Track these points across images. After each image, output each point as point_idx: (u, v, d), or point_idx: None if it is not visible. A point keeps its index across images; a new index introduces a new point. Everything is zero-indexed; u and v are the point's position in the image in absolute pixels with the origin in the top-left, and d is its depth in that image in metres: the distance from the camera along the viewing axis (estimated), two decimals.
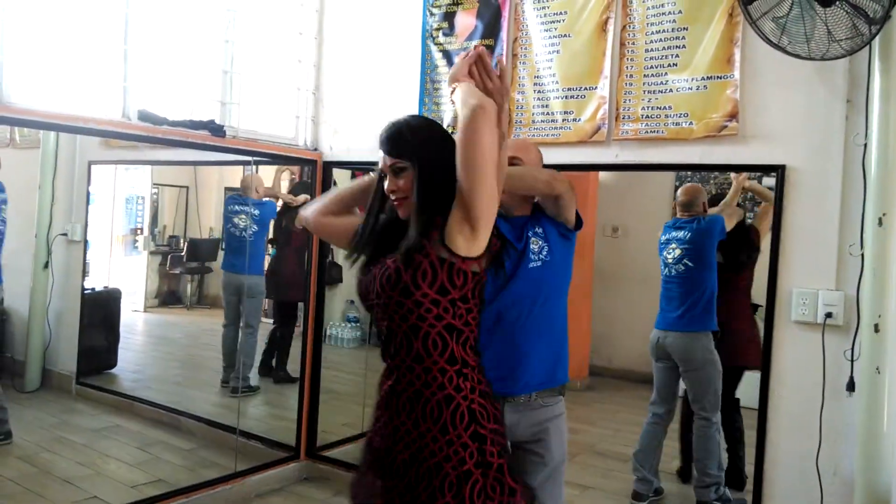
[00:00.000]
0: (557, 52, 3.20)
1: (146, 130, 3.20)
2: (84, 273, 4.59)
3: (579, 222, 2.20)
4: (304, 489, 3.77)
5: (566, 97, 3.18)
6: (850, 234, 2.55)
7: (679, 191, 3.71)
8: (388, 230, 1.78)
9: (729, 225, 3.57)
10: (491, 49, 3.36)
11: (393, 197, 1.74)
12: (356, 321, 5.52)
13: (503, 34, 3.35)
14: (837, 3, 2.28)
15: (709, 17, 2.84)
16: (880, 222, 2.39)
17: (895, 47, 2.37)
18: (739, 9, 2.50)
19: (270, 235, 5.04)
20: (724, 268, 3.57)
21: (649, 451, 3.53)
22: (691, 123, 2.88)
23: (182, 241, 5.61)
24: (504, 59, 3.32)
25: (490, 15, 3.39)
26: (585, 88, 3.13)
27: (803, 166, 2.66)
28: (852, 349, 2.52)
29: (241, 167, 4.74)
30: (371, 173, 1.89)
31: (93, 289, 4.76)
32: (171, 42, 3.43)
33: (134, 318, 5.45)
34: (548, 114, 3.22)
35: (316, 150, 4.01)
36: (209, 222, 5.51)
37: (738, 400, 3.60)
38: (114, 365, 4.87)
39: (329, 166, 3.98)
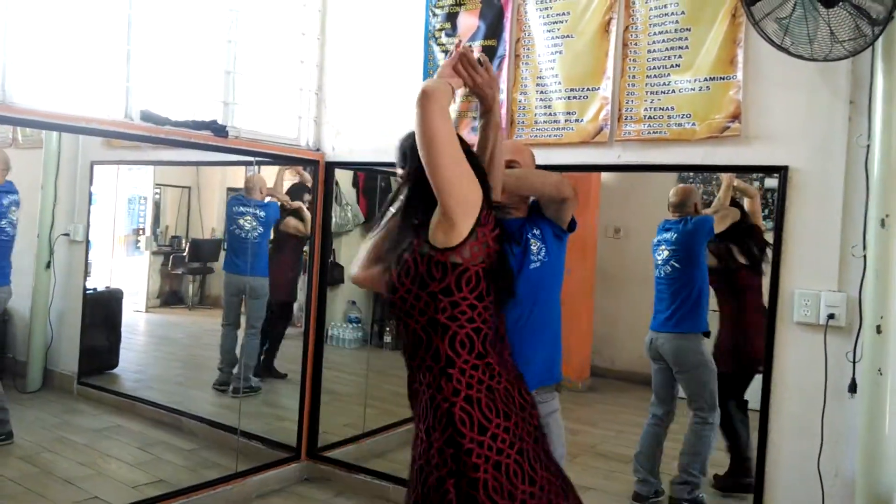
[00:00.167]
0: (560, 52, 3.20)
1: (148, 131, 3.21)
2: (86, 273, 4.59)
3: (573, 224, 2.23)
4: (304, 490, 3.77)
5: (569, 98, 3.17)
6: (853, 236, 2.55)
7: (671, 192, 3.72)
8: None
9: (723, 225, 3.57)
10: (493, 49, 3.37)
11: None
12: (357, 322, 5.52)
13: (506, 35, 3.35)
14: (840, 4, 2.27)
15: (711, 18, 2.84)
16: (883, 223, 2.38)
17: None
18: (742, 10, 2.50)
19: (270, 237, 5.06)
20: (747, 269, 3.58)
21: (650, 452, 3.54)
22: (694, 124, 2.87)
23: (184, 241, 5.61)
24: (507, 59, 3.32)
25: (493, 15, 3.39)
26: (588, 89, 3.13)
27: (806, 167, 2.66)
28: (854, 351, 2.52)
29: (243, 167, 4.74)
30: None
31: (94, 289, 4.76)
32: (174, 42, 3.43)
33: (136, 319, 5.45)
34: (550, 114, 3.22)
35: (318, 150, 4.01)
36: (211, 223, 5.51)
37: (746, 402, 3.60)
38: (115, 365, 4.87)
39: (331, 167, 3.98)
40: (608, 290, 5.15)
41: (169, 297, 5.76)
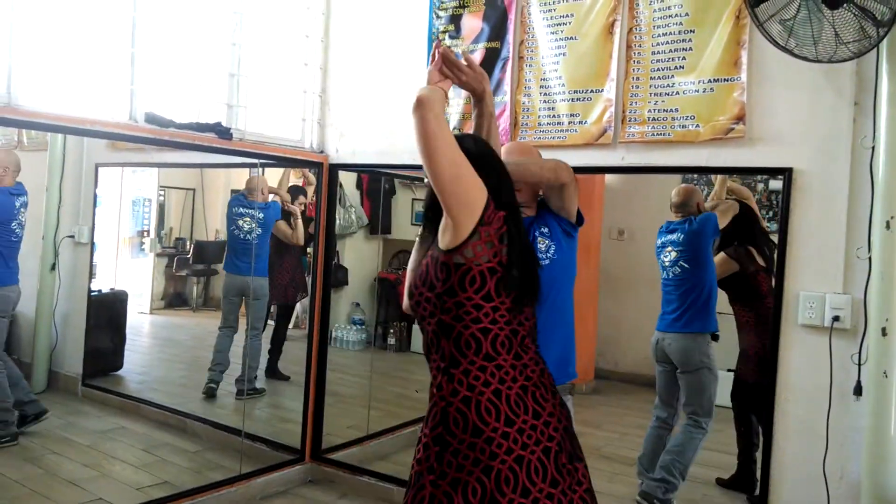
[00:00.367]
0: (564, 54, 3.20)
1: (153, 133, 3.21)
2: (91, 275, 4.60)
3: (580, 218, 2.23)
4: (308, 492, 3.77)
5: (572, 100, 3.17)
6: (858, 238, 2.54)
7: (672, 192, 3.71)
8: None
9: (725, 219, 3.57)
10: (497, 51, 3.37)
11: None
12: (361, 324, 5.52)
13: (509, 36, 3.35)
14: (845, 5, 2.27)
15: (715, 20, 2.84)
16: (888, 225, 2.37)
17: None
18: (746, 11, 2.50)
19: None
20: (765, 272, 3.52)
21: (653, 455, 3.52)
22: (698, 126, 2.87)
23: (188, 243, 5.62)
24: (510, 61, 3.32)
25: (496, 17, 3.39)
26: (592, 91, 3.13)
27: (810, 169, 2.66)
28: (859, 353, 2.51)
29: (247, 170, 4.75)
30: None
31: (99, 291, 4.76)
32: (178, 45, 3.44)
33: (140, 320, 5.45)
34: (554, 116, 3.22)
35: (322, 152, 4.02)
36: (215, 224, 5.52)
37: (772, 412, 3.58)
38: (120, 367, 4.87)
39: (335, 169, 3.99)
40: (612, 293, 5.14)
41: (173, 299, 5.77)
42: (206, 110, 3.57)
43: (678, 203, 3.63)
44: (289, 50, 3.95)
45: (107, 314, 4.80)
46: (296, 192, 4.95)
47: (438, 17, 3.57)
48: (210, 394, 4.64)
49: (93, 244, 4.57)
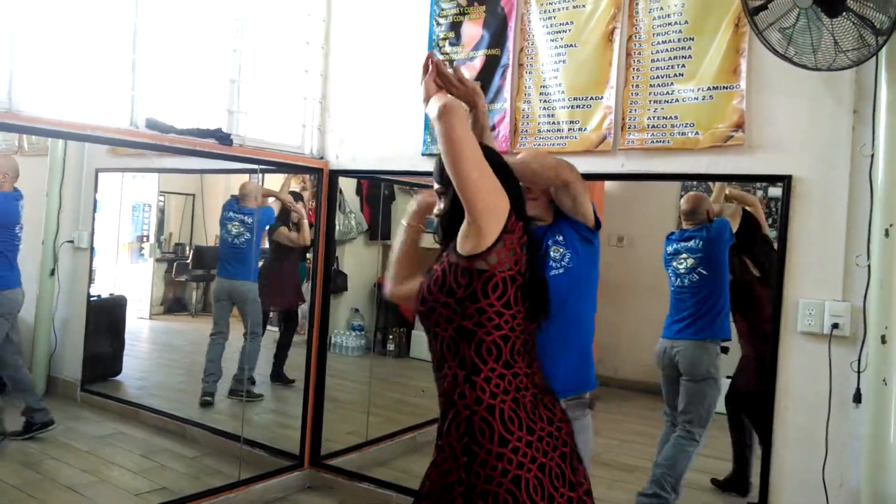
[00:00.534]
0: (563, 61, 3.21)
1: (153, 139, 3.22)
2: (90, 280, 4.60)
3: (598, 222, 2.22)
4: (307, 498, 3.76)
5: (572, 107, 3.18)
6: (857, 245, 2.55)
7: (682, 200, 3.70)
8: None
9: (735, 223, 3.56)
10: (497, 58, 3.38)
11: (436, 216, 1.82)
12: (361, 329, 5.52)
13: (509, 44, 3.36)
14: (844, 13, 2.28)
15: (715, 28, 2.85)
16: (887, 233, 2.38)
17: None
18: (746, 19, 2.51)
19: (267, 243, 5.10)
20: (760, 282, 3.52)
21: None
22: (697, 133, 2.88)
23: (188, 248, 5.63)
24: (510, 68, 3.33)
25: (496, 25, 3.40)
26: (591, 98, 3.13)
27: (810, 177, 2.66)
28: (859, 360, 2.51)
29: (247, 175, 4.76)
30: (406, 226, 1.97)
31: (98, 296, 4.77)
32: (179, 51, 3.45)
33: (139, 326, 5.46)
34: (553, 123, 3.23)
35: (322, 158, 4.02)
36: (215, 230, 5.52)
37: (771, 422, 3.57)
38: (119, 372, 4.87)
39: (335, 175, 4.00)
40: (612, 300, 5.12)
41: (172, 305, 5.77)
42: (207, 116, 3.58)
43: (688, 210, 3.63)
44: (289, 56, 3.96)
45: (106, 319, 4.80)
46: (294, 198, 4.97)
47: (439, 24, 3.59)
48: (206, 405, 4.64)
49: (92, 249, 4.58)
